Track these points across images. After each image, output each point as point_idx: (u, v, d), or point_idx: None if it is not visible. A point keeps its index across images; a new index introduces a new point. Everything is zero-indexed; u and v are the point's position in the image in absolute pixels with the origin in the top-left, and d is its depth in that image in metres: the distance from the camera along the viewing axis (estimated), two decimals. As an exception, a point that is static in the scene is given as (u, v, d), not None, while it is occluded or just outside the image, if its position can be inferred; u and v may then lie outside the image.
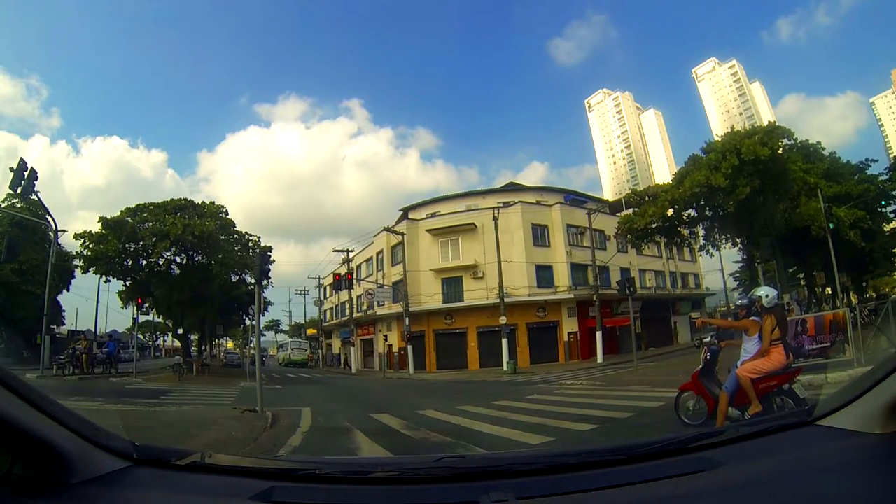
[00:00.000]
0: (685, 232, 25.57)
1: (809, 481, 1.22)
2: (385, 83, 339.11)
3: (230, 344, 71.74)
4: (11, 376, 1.11)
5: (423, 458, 2.24)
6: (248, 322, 38.52)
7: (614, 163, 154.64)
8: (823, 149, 29.92)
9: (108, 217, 23.40)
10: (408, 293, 29.47)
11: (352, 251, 37.44)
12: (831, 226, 21.76)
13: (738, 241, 25.23)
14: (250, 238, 28.42)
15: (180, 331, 30.98)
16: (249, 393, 13.50)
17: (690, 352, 19.04)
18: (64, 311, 37.45)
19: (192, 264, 25.57)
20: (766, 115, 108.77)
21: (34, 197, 20.49)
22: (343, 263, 37.55)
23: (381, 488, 1.42)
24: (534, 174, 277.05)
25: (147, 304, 27.82)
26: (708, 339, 6.65)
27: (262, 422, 8.57)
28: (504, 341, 26.17)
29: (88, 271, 23.60)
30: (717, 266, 47.73)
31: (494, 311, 27.00)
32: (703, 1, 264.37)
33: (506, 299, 26.66)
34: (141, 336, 55.03)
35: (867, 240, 25.95)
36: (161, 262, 24.98)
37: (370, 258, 38.14)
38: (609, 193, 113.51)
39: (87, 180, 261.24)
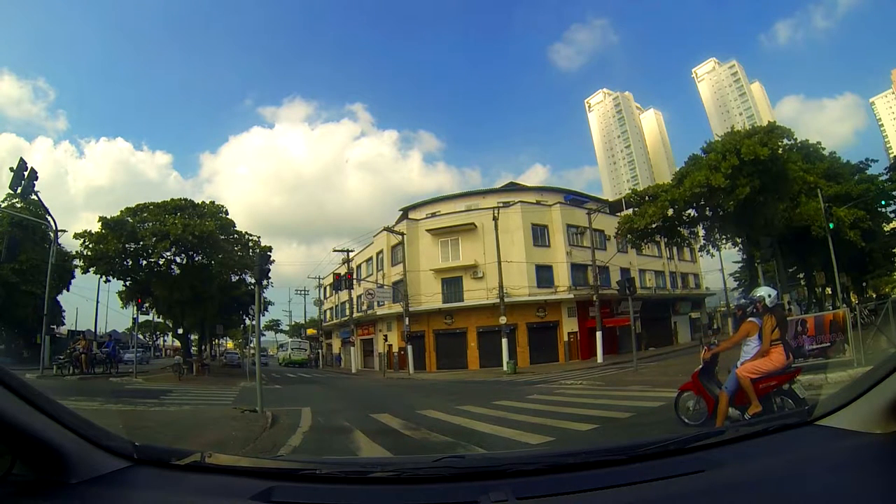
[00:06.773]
0: (685, 232, 25.55)
1: (809, 481, 1.23)
2: (388, 87, 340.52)
3: (230, 344, 71.78)
4: (11, 376, 1.11)
5: (423, 458, 2.24)
6: (248, 322, 38.56)
7: (614, 163, 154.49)
8: (823, 149, 29.93)
9: (109, 217, 23.41)
10: (408, 293, 29.47)
11: (352, 251, 37.45)
12: (831, 226, 21.76)
13: (738, 241, 25.20)
14: (250, 238, 28.47)
15: (180, 331, 31.00)
16: (249, 393, 13.52)
17: (690, 352, 19.09)
18: (64, 311, 37.40)
19: (192, 264, 25.57)
20: (766, 116, 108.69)
21: (34, 197, 20.48)
22: (343, 263, 37.56)
23: (381, 488, 1.42)
24: (535, 176, 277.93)
25: (147, 304, 27.85)
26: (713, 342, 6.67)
27: (262, 422, 8.57)
28: (504, 341, 26.16)
29: (88, 271, 23.64)
30: (717, 266, 47.95)
31: (494, 311, 26.99)
32: (703, 2, 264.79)
33: (506, 299, 26.65)
34: (141, 336, 55.00)
35: (867, 240, 25.89)
36: (161, 262, 24.99)
37: (370, 258, 38.12)
38: (609, 193, 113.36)
39: (92, 182, 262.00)
